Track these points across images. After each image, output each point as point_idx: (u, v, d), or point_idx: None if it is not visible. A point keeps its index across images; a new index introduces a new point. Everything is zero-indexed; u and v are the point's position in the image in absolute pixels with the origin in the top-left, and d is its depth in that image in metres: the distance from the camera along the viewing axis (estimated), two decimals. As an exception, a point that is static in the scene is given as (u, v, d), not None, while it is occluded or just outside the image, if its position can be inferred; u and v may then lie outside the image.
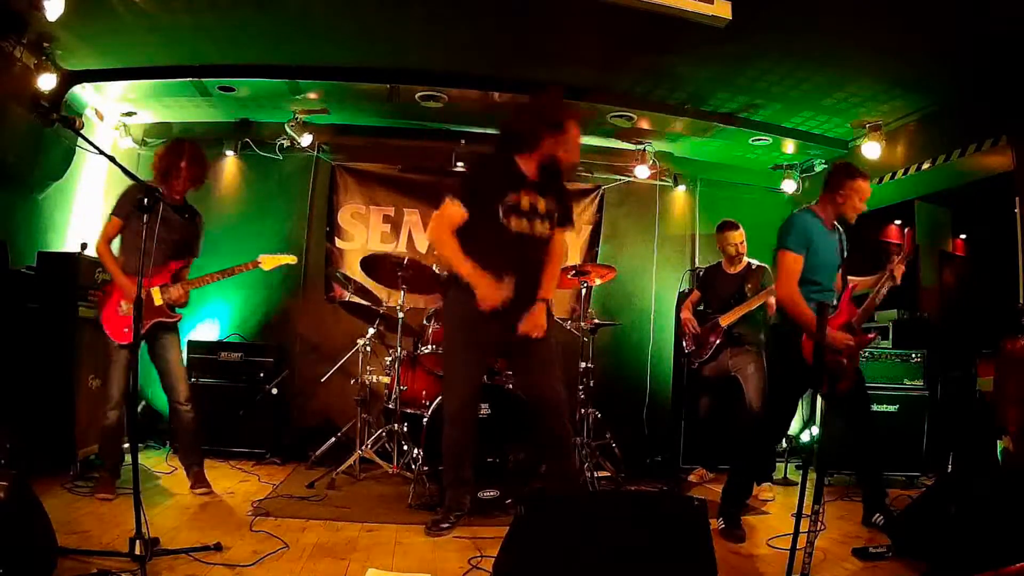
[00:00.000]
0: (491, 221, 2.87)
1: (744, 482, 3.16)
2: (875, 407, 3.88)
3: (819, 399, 3.30)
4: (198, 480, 3.35)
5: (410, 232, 5.47)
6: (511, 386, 3.55)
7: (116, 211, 3.24)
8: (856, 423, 3.16)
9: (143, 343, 3.28)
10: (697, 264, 5.66)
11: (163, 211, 3.11)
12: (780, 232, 2.96)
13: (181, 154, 3.28)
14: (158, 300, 3.25)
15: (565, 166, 2.95)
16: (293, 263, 3.59)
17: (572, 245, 5.54)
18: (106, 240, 3.23)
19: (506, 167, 2.95)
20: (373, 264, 4.19)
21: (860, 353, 3.12)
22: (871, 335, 3.20)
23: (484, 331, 2.94)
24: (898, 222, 6.04)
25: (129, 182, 3.22)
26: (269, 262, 3.47)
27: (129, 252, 3.25)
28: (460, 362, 3.03)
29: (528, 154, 2.92)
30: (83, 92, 4.50)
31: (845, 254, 3.14)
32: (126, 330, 3.18)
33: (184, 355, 3.49)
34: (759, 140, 5.14)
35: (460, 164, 5.24)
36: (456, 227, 2.90)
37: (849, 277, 3.18)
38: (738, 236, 4.24)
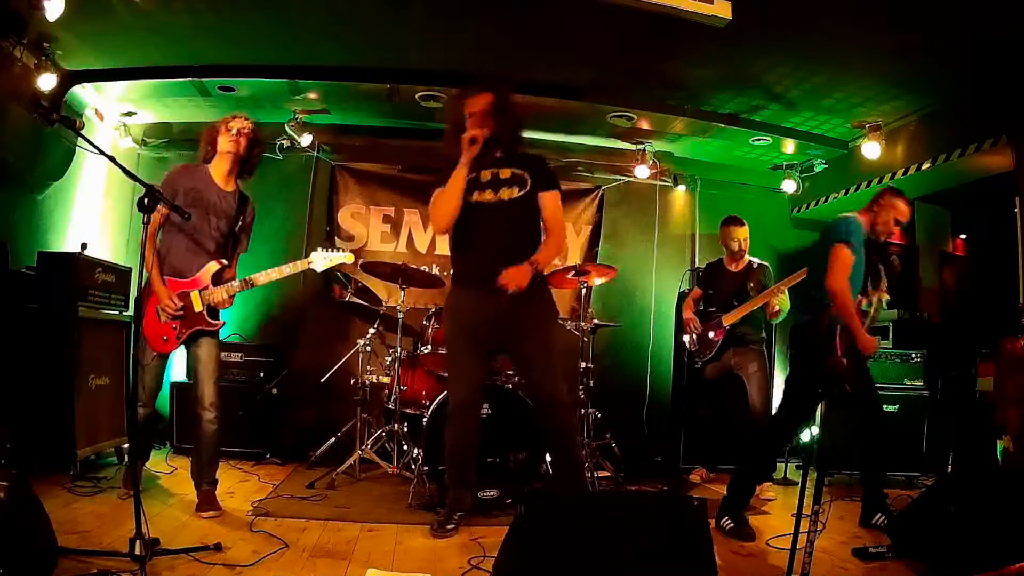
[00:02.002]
0: (462, 205, 2.95)
1: (747, 481, 3.18)
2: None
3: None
4: (207, 501, 3.01)
5: (410, 232, 5.47)
6: (511, 386, 3.55)
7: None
8: (867, 424, 3.20)
9: (182, 347, 3.06)
10: (697, 264, 5.66)
11: (208, 195, 2.94)
12: (837, 228, 3.04)
13: (235, 119, 3.02)
14: (198, 306, 2.97)
15: (489, 140, 2.91)
16: (350, 261, 3.25)
17: (572, 245, 5.54)
18: (151, 234, 2.89)
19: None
20: (373, 265, 4.20)
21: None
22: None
23: (476, 326, 2.95)
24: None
25: (130, 189, 3.12)
26: (323, 262, 3.08)
27: (172, 249, 2.98)
28: (459, 360, 3.04)
29: (461, 139, 2.93)
30: (83, 92, 4.50)
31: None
32: (165, 339, 2.98)
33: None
34: (759, 140, 5.14)
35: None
36: None
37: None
38: (743, 232, 4.25)
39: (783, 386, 3.32)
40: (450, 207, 2.93)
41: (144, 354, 3.00)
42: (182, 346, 3.08)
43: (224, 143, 3.02)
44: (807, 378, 3.08)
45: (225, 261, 3.08)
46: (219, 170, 3.06)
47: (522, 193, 2.97)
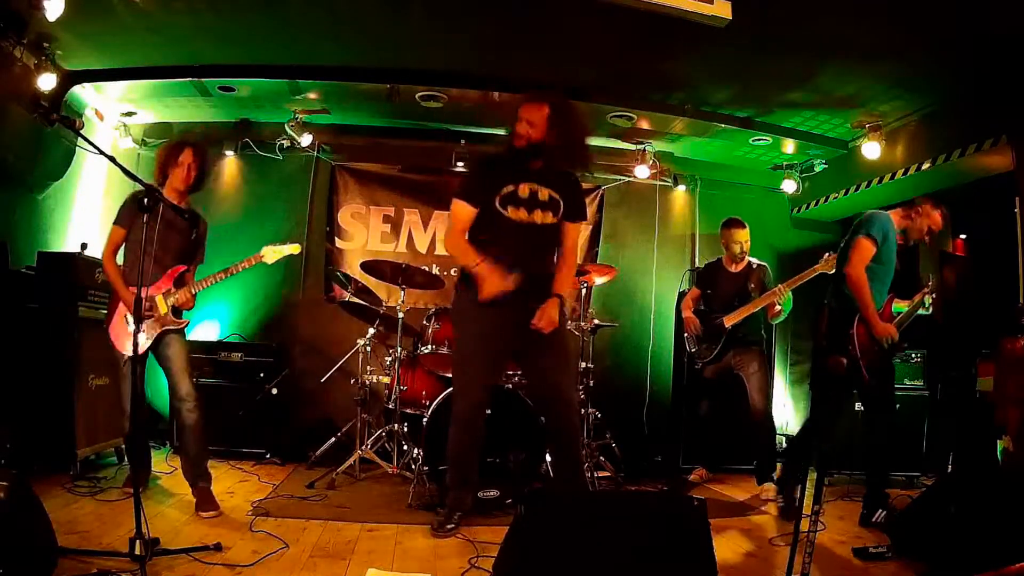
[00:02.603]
0: (490, 212, 2.94)
1: (795, 467, 3.37)
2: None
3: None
4: (204, 500, 3.07)
5: (410, 232, 5.47)
6: (511, 386, 3.55)
7: (118, 220, 3.20)
8: (875, 422, 3.28)
9: (150, 351, 3.18)
10: (697, 264, 5.65)
11: (165, 214, 3.09)
12: (864, 221, 3.21)
13: (183, 153, 3.24)
14: (163, 308, 3.18)
15: (528, 143, 2.90)
16: (296, 252, 3.47)
17: (573, 245, 5.54)
18: (111, 249, 3.19)
19: (507, 159, 2.99)
20: (373, 264, 4.20)
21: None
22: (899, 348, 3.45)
23: (495, 329, 2.93)
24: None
25: (130, 189, 3.24)
26: (272, 254, 3.36)
27: (134, 262, 3.15)
28: (469, 363, 3.02)
29: (515, 144, 2.96)
30: (83, 92, 4.50)
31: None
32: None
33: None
34: (759, 140, 5.14)
35: (460, 164, 5.24)
36: (467, 226, 2.98)
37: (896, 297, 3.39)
38: (744, 235, 4.24)
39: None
40: (454, 258, 3.01)
41: (119, 361, 3.21)
42: (154, 353, 3.23)
43: (176, 180, 3.26)
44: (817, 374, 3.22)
45: (185, 266, 3.30)
46: (170, 194, 3.28)
47: (555, 220, 3.00)
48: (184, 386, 3.16)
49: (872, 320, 3.12)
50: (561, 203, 3.00)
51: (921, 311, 3.38)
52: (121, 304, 3.18)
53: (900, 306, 3.36)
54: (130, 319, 3.12)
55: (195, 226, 3.35)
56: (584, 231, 5.61)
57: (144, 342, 3.13)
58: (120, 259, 3.25)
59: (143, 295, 2.35)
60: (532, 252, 2.99)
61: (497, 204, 2.93)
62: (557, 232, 3.04)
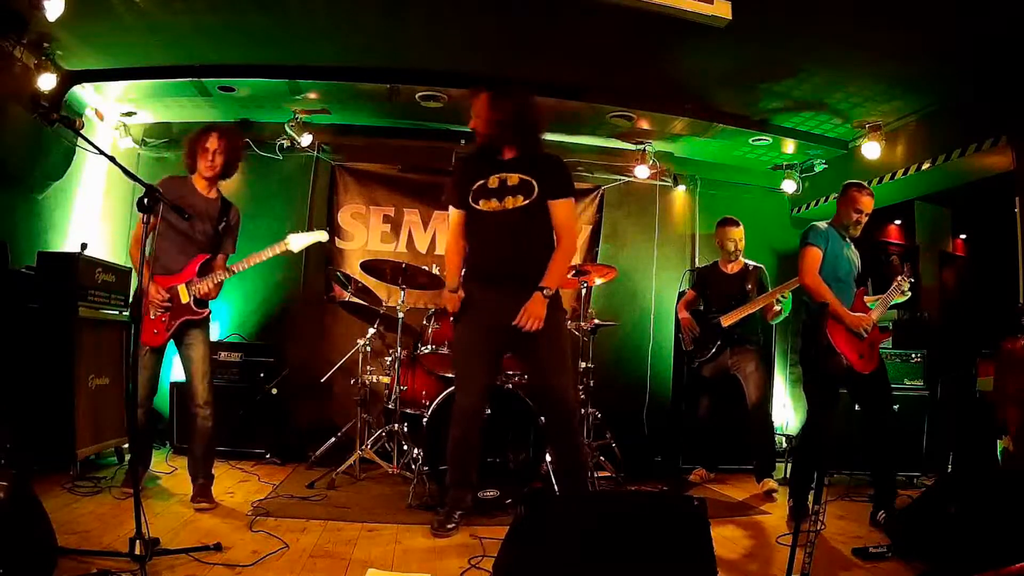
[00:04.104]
0: (469, 209, 3.04)
1: (805, 473, 3.36)
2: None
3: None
4: (201, 493, 3.14)
5: (410, 232, 5.47)
6: (511, 386, 3.55)
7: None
8: (874, 417, 3.30)
9: (172, 342, 3.20)
10: (697, 264, 5.66)
11: (195, 202, 3.13)
12: (804, 235, 3.38)
13: (209, 139, 3.18)
14: (184, 298, 3.14)
15: (483, 135, 3.01)
16: (324, 240, 3.39)
17: (572, 245, 5.54)
18: (137, 241, 3.12)
19: (479, 155, 3.08)
20: (373, 264, 4.19)
21: (878, 347, 3.36)
22: (886, 334, 3.55)
23: (486, 326, 2.96)
24: (898, 222, 6.06)
25: (130, 189, 3.21)
26: (298, 242, 3.27)
27: (162, 251, 3.16)
28: (467, 362, 3.05)
29: (477, 141, 3.06)
30: (83, 92, 4.50)
31: (859, 260, 3.47)
32: (155, 332, 3.12)
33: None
34: (759, 140, 5.14)
35: (460, 164, 5.25)
36: (460, 229, 3.11)
37: (866, 295, 3.45)
38: (739, 233, 4.27)
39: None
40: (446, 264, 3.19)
41: (140, 350, 3.14)
42: (178, 346, 3.22)
43: (203, 168, 3.21)
44: (817, 362, 3.32)
45: (209, 254, 3.25)
46: (199, 182, 3.26)
47: (527, 202, 2.94)
48: (202, 392, 3.18)
49: (841, 313, 3.21)
50: (534, 183, 2.95)
51: (899, 298, 3.42)
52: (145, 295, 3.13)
53: (872, 301, 3.40)
54: (151, 311, 3.12)
55: (225, 214, 3.29)
56: (584, 231, 5.62)
57: (165, 333, 3.13)
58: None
59: (145, 286, 2.34)
60: (510, 239, 2.95)
61: (471, 200, 3.01)
62: (538, 213, 2.96)
